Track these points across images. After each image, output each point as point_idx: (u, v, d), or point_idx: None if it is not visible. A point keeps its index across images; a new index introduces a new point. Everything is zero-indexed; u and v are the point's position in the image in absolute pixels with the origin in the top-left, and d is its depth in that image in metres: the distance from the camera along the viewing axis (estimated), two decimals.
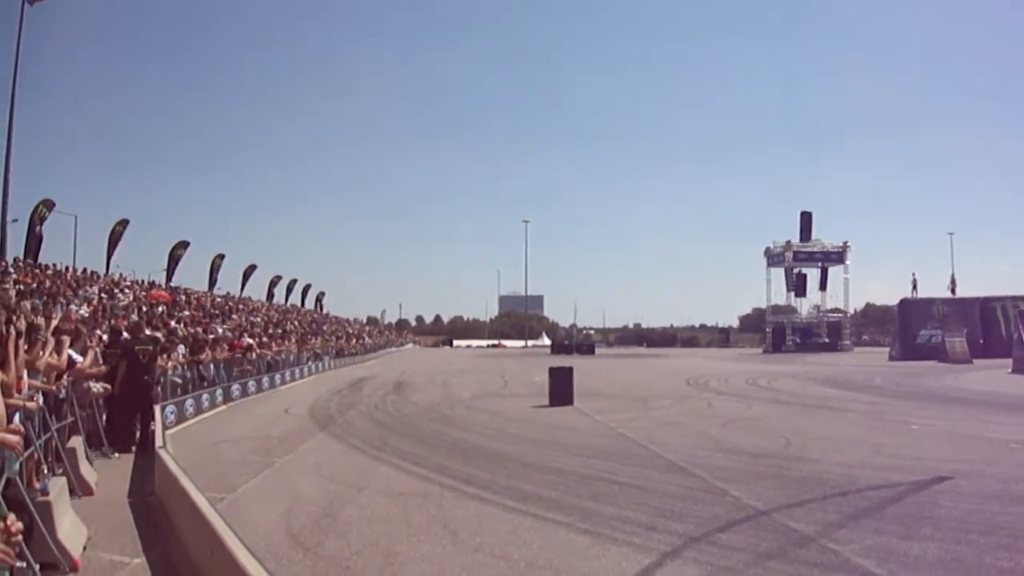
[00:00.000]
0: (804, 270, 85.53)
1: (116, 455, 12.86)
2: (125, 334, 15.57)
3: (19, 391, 6.93)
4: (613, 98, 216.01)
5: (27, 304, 12.16)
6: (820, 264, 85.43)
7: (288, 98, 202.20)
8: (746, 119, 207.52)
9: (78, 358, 10.87)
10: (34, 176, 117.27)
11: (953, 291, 70.03)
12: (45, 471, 7.83)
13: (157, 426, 12.60)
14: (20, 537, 3.61)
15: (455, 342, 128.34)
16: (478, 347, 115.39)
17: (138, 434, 13.71)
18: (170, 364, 18.07)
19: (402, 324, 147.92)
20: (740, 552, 7.16)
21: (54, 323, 10.67)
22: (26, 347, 7.53)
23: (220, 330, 29.82)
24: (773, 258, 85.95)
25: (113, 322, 18.63)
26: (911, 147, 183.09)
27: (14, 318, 6.46)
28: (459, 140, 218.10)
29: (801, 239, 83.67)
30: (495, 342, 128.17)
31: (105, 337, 15.56)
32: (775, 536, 7.71)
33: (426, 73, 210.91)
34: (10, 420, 5.57)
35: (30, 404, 7.13)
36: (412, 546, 7.53)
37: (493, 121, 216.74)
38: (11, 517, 3.47)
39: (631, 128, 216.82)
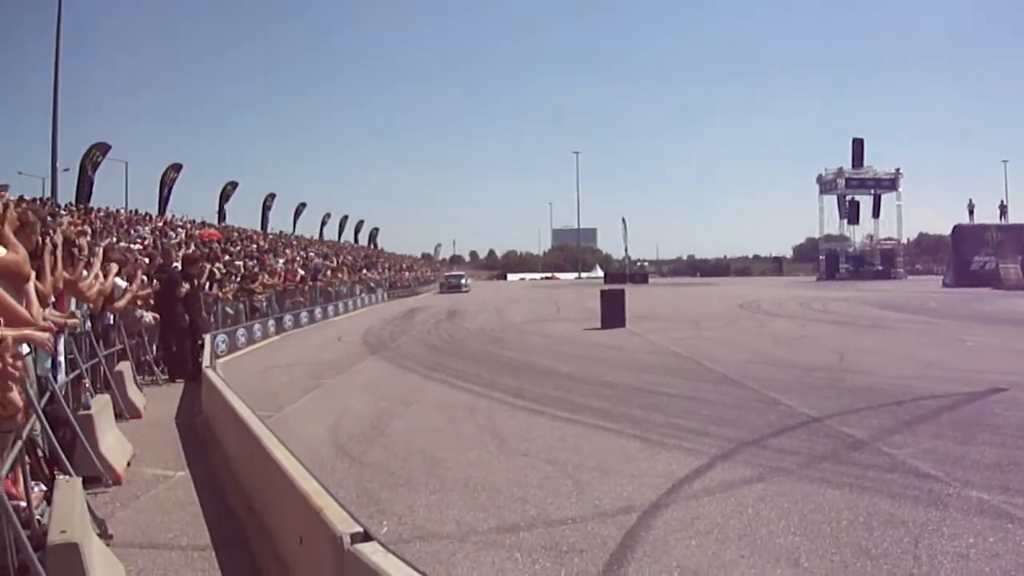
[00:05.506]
0: (857, 198, 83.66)
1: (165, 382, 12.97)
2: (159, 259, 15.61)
3: (60, 309, 6.90)
4: (662, 24, 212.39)
5: (71, 229, 12.13)
6: (872, 191, 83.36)
7: (336, 36, 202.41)
8: (797, 43, 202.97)
9: (123, 284, 10.88)
10: (84, 121, 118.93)
11: (1002, 216, 68.21)
12: (91, 391, 7.82)
13: (206, 352, 12.66)
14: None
15: (509, 276, 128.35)
16: (531, 280, 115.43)
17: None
18: (222, 293, 18.16)
19: (456, 259, 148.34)
20: (793, 455, 7.01)
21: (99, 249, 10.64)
22: (70, 269, 7.46)
23: (277, 263, 29.94)
24: (825, 185, 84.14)
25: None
26: (964, 72, 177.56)
27: (50, 231, 6.38)
28: (512, 72, 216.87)
29: (853, 166, 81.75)
30: (548, 275, 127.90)
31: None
32: (828, 440, 7.56)
33: (473, 7, 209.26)
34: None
35: (71, 320, 7.10)
36: (459, 453, 7.50)
37: (544, 51, 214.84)
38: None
39: (682, 56, 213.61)
